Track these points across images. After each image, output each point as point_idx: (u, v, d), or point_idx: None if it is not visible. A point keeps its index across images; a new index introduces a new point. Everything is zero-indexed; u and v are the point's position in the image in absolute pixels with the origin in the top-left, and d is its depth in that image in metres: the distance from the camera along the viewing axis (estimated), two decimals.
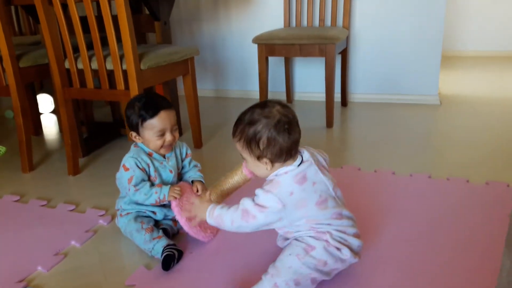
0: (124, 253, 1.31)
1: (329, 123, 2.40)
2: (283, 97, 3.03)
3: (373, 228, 1.33)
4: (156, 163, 1.33)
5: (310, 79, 3.01)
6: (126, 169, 1.29)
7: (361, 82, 2.91)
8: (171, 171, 1.36)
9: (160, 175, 1.34)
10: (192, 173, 1.43)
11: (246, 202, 1.03)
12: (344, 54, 2.72)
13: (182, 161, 1.43)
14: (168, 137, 1.30)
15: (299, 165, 1.04)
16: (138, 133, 1.31)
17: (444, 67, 3.73)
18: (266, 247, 1.25)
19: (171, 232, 1.34)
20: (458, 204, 1.48)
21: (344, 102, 2.84)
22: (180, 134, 2.32)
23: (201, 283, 1.14)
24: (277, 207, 0.99)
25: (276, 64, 3.00)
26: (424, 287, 1.08)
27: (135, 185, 1.28)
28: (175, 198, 1.26)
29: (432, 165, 1.84)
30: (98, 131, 2.38)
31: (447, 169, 1.78)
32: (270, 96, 2.80)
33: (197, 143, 2.15)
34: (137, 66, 1.64)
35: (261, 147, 1.00)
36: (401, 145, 2.09)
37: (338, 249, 1.03)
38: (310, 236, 1.03)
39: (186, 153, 1.44)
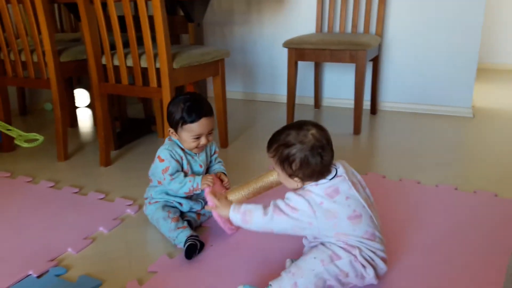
0: (148, 241, 1.37)
1: (357, 130, 2.39)
2: (311, 102, 3.04)
3: (395, 237, 1.32)
4: (188, 157, 1.40)
5: (339, 85, 3.00)
6: (161, 160, 1.35)
7: (392, 90, 2.87)
8: (201, 166, 1.42)
9: (191, 168, 1.40)
10: (217, 167, 1.49)
11: (278, 201, 1.06)
12: (376, 61, 2.70)
13: (211, 156, 1.50)
14: (202, 141, 1.35)
15: (331, 179, 1.05)
16: (176, 130, 1.37)
17: (480, 79, 3.64)
18: (287, 245, 1.27)
19: (194, 225, 1.39)
20: (484, 218, 1.44)
21: (374, 110, 2.82)
22: None
23: (220, 274, 1.18)
24: (308, 211, 1.01)
25: (305, 68, 3.01)
26: None
27: (171, 175, 1.34)
28: (209, 185, 1.31)
29: (459, 177, 1.80)
30: (130, 127, 2.47)
31: (475, 182, 1.74)
32: (298, 101, 2.82)
33: (223, 143, 2.20)
34: (170, 65, 1.70)
35: (294, 168, 1.04)
36: (429, 156, 2.06)
37: (363, 266, 1.02)
38: (339, 246, 1.03)
39: (215, 151, 1.51)
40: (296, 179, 1.06)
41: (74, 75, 2.44)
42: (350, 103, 2.88)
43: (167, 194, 1.40)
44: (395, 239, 1.30)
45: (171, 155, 1.35)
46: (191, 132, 1.33)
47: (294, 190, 1.08)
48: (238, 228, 1.36)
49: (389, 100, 2.90)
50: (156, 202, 1.40)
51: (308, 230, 1.04)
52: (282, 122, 2.59)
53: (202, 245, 1.27)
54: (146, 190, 1.47)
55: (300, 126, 1.05)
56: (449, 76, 2.71)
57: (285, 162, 1.05)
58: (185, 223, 1.32)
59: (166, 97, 1.72)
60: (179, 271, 1.19)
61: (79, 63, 2.09)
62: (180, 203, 1.40)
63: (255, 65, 3.24)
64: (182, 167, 1.38)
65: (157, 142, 2.25)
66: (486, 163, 1.96)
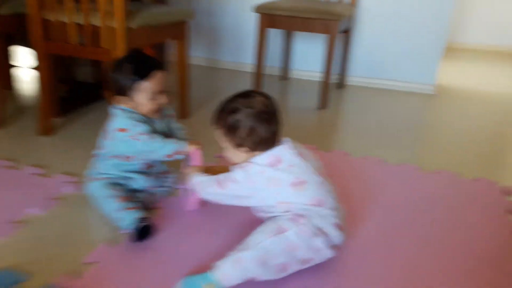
0: (90, 226, 1.22)
1: (323, 105, 2.29)
2: (278, 72, 2.90)
3: (359, 216, 1.28)
4: (150, 123, 1.24)
5: (308, 57, 2.87)
6: (123, 130, 1.19)
7: (360, 65, 2.79)
8: (165, 134, 1.28)
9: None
10: (180, 135, 1.33)
11: (221, 175, 1.07)
12: (347, 34, 2.59)
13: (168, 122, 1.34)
14: (161, 99, 1.22)
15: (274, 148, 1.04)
16: (127, 96, 1.21)
17: (447, 58, 3.62)
18: (245, 230, 1.16)
19: (147, 207, 1.25)
20: (446, 198, 1.43)
21: (342, 84, 2.72)
22: None
23: (168, 263, 1.06)
24: (247, 182, 1.01)
25: (274, 37, 2.85)
26: (410, 278, 1.03)
27: (145, 134, 1.18)
28: (199, 147, 1.21)
29: (423, 156, 1.77)
30: (78, 91, 2.24)
31: (437, 162, 1.71)
32: (266, 71, 2.67)
33: (184, 113, 2.04)
34: (126, 24, 1.51)
35: (241, 135, 1.01)
36: (393, 133, 2.01)
37: (312, 235, 0.96)
38: (286, 219, 0.98)
39: (172, 114, 1.35)
40: (244, 149, 1.03)
41: (16, 31, 2.15)
42: (319, 76, 2.77)
43: (119, 169, 1.25)
44: (360, 219, 1.26)
45: (134, 121, 1.19)
46: (146, 91, 1.19)
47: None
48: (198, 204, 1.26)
49: (356, 74, 2.81)
50: (103, 178, 1.24)
51: (250, 200, 1.04)
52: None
53: (153, 229, 1.14)
54: (91, 164, 1.31)
55: (247, 93, 1.05)
56: (416, 53, 2.67)
57: (231, 130, 1.02)
58: (136, 204, 1.17)
59: None
60: (121, 261, 1.07)
61: (21, 17, 1.82)
62: (133, 179, 1.26)
63: (221, 30, 3.04)
64: None
65: (108, 110, 2.05)
66: (449, 143, 1.93)
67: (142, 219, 1.12)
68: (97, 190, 1.22)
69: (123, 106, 1.23)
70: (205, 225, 1.22)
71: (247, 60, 2.97)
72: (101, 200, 1.20)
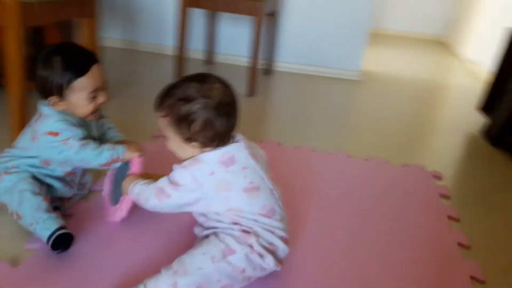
0: None
1: (251, 92, 2.24)
2: (202, 56, 2.78)
3: (294, 209, 1.22)
4: (84, 127, 1.07)
5: (234, 41, 2.79)
6: (55, 134, 1.00)
7: (287, 50, 2.78)
8: (95, 139, 1.10)
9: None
10: (114, 135, 1.17)
11: (161, 181, 0.91)
12: (273, 18, 2.54)
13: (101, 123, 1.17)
14: (101, 98, 1.04)
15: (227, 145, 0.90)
16: (60, 97, 1.00)
17: (371, 44, 3.78)
18: (172, 237, 1.07)
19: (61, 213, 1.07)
20: (380, 186, 1.44)
21: (269, 70, 2.69)
22: None
23: (86, 282, 0.91)
24: (192, 185, 0.86)
25: (198, 18, 2.72)
26: (353, 277, 1.00)
27: (79, 140, 1.01)
28: (141, 154, 1.06)
29: (352, 143, 1.80)
30: None
31: (366, 149, 1.74)
32: (188, 54, 2.54)
33: None
34: None
35: (193, 129, 0.86)
36: (322, 121, 2.03)
37: (261, 256, 0.87)
38: (232, 237, 0.87)
39: (103, 114, 1.17)
40: (194, 144, 0.88)
41: None
42: (245, 61, 2.71)
43: (37, 172, 1.06)
44: (295, 213, 1.21)
45: (69, 124, 1.01)
46: (84, 90, 1.00)
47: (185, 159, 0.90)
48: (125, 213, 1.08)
49: (284, 60, 2.80)
50: (20, 172, 1.04)
51: (197, 206, 0.90)
52: (169, 77, 2.31)
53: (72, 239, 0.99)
54: (2, 158, 1.08)
55: (203, 78, 0.88)
56: (342, 39, 2.72)
57: (182, 122, 0.86)
58: (55, 212, 1.01)
59: (13, 40, 1.31)
60: (26, 285, 0.88)
61: None
62: (51, 185, 1.07)
63: (138, 9, 2.82)
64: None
65: (5, 99, 1.78)
66: (375, 129, 1.99)
67: (62, 227, 0.96)
68: (12, 183, 1.01)
69: (57, 108, 1.02)
70: (126, 232, 1.07)
71: (168, 42, 2.81)
72: (19, 194, 0.99)
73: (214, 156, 0.87)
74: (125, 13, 2.84)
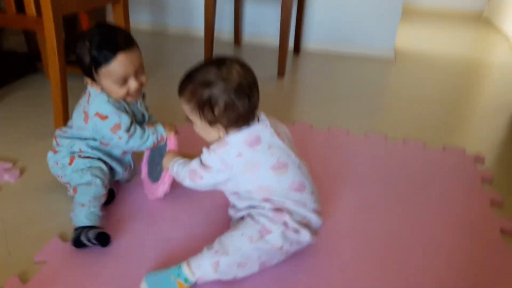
0: (35, 218, 1.07)
1: (281, 73, 2.20)
2: (230, 37, 2.75)
3: (327, 193, 1.21)
4: (131, 107, 1.09)
5: (262, 21, 2.74)
6: (104, 117, 1.02)
7: (316, 29, 2.71)
8: (143, 115, 1.13)
9: (137, 120, 1.11)
10: (150, 118, 1.19)
11: (193, 162, 0.94)
12: None
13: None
14: (132, 84, 1.02)
15: (252, 125, 0.91)
16: (93, 79, 1.02)
17: (403, 21, 3.64)
18: (213, 217, 1.09)
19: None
20: (418, 169, 1.40)
21: (297, 49, 2.64)
22: None
23: (127, 259, 0.95)
24: (222, 168, 0.89)
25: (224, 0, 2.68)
26: (385, 258, 1.00)
27: (127, 131, 1.04)
28: (175, 132, 1.10)
29: (387, 125, 1.74)
30: (8, 63, 1.98)
31: (403, 130, 1.69)
32: (217, 36, 2.52)
33: None
34: None
35: (216, 113, 0.87)
36: (355, 102, 1.98)
37: (296, 231, 0.89)
38: (267, 217, 0.89)
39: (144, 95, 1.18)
40: (218, 126, 0.90)
41: None
42: (273, 41, 2.66)
43: (103, 153, 1.09)
44: (328, 196, 1.20)
45: (116, 107, 1.02)
46: (112, 76, 0.99)
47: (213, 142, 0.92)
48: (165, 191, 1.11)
49: (312, 39, 2.74)
50: (93, 159, 1.07)
51: (228, 185, 0.94)
52: (200, 59, 2.27)
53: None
54: (61, 142, 1.10)
55: (221, 61, 0.88)
56: (374, 16, 2.62)
57: (205, 106, 0.87)
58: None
59: (49, 28, 1.33)
60: (74, 259, 0.94)
61: None
62: (114, 170, 1.12)
63: None
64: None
65: (45, 84, 1.83)
66: (411, 109, 1.92)
67: (100, 227, 0.99)
68: (89, 167, 1.05)
69: (95, 89, 1.03)
70: (165, 212, 1.11)
71: (195, 24, 2.79)
72: (91, 178, 1.03)
73: (240, 138, 0.89)
74: None
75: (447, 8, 4.76)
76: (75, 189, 1.04)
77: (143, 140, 1.06)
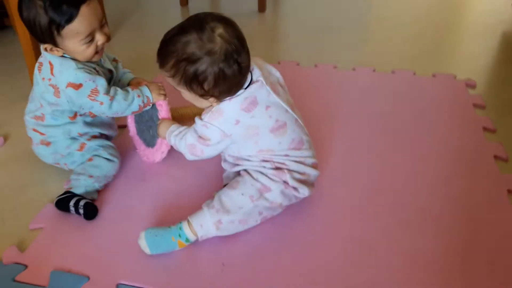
0: (26, 184, 1.05)
1: (262, 7, 2.09)
2: None
3: (319, 133, 1.18)
4: (97, 67, 0.98)
5: None
6: (78, 86, 0.91)
7: None
8: (110, 72, 1.03)
9: (106, 78, 1.00)
10: (128, 75, 1.10)
11: (189, 136, 0.88)
12: None
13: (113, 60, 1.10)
14: (100, 39, 0.92)
15: (246, 87, 0.83)
16: (54, 44, 0.90)
17: None
18: (207, 170, 1.08)
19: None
20: (410, 99, 1.38)
21: None
22: None
23: (127, 218, 0.95)
24: (221, 138, 0.85)
25: None
26: (382, 195, 1.01)
27: (106, 94, 0.94)
28: (165, 95, 1.01)
29: (373, 56, 1.69)
30: None
31: (391, 60, 1.64)
32: None
33: None
34: None
35: (206, 87, 0.80)
36: (341, 34, 1.89)
37: (295, 189, 0.89)
38: (265, 175, 0.88)
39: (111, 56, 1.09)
40: (210, 98, 0.83)
41: None
42: None
43: (96, 125, 1.04)
44: (321, 139, 1.18)
45: (87, 72, 0.92)
46: (77, 36, 0.88)
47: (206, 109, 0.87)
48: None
49: None
50: (94, 137, 1.04)
51: (229, 150, 0.91)
52: (174, 2, 2.16)
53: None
54: (48, 131, 1.01)
55: (201, 24, 0.77)
56: None
57: (193, 82, 0.80)
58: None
59: None
60: (70, 224, 0.94)
61: None
62: (106, 136, 1.08)
63: None
64: None
65: (17, 42, 1.72)
66: (400, 37, 1.85)
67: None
68: (91, 150, 1.03)
69: (55, 54, 0.92)
70: (156, 168, 1.09)
71: None
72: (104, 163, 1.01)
73: (235, 104, 0.83)
74: None
75: None
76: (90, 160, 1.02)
77: (127, 103, 0.96)
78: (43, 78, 0.95)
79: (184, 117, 1.16)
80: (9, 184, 1.05)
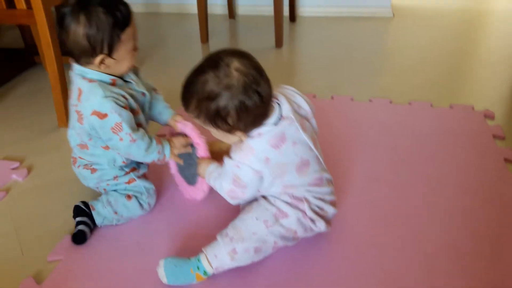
0: (45, 216, 1.08)
1: (279, 42, 2.14)
2: (224, 11, 2.67)
3: (337, 166, 1.18)
4: (128, 90, 0.96)
5: None
6: (104, 116, 0.89)
7: None
8: (143, 94, 1.01)
9: (140, 105, 0.99)
10: (165, 111, 1.09)
11: (225, 184, 0.87)
12: None
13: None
14: (136, 48, 0.95)
15: (277, 123, 0.83)
16: (110, 52, 0.89)
17: None
18: (220, 199, 1.07)
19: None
20: (428, 131, 1.36)
21: (293, 16, 2.56)
22: None
23: (142, 249, 0.96)
24: (255, 178, 0.83)
25: None
26: (402, 230, 0.98)
27: (130, 134, 0.92)
28: (180, 159, 1.03)
29: (392, 88, 1.69)
30: (6, 60, 1.96)
31: (406, 91, 1.65)
32: (210, 11, 2.44)
33: None
34: None
35: (231, 122, 0.80)
36: (357, 66, 1.92)
37: (313, 220, 0.88)
38: (284, 202, 0.87)
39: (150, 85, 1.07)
40: (237, 133, 0.82)
41: None
42: (268, 10, 2.58)
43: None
44: (338, 169, 1.17)
45: (116, 103, 0.90)
46: (130, 42, 0.90)
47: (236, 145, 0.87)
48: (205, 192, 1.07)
49: (307, 4, 2.64)
50: (128, 172, 1.04)
51: (260, 191, 0.88)
52: (195, 36, 2.24)
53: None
54: (92, 159, 1.01)
55: (216, 62, 0.78)
56: None
57: (217, 119, 0.80)
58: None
59: (41, 21, 1.31)
60: (88, 256, 0.95)
61: None
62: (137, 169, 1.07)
63: None
64: (132, 109, 0.95)
65: (46, 77, 1.81)
66: (414, 69, 1.86)
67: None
68: (136, 190, 1.03)
69: (92, 69, 0.91)
70: (173, 198, 1.10)
71: (188, 0, 2.71)
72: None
73: (264, 142, 0.81)
74: None
75: None
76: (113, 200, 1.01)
77: (145, 153, 0.95)
78: (70, 104, 0.97)
79: (223, 150, 1.16)
80: (29, 215, 1.08)
